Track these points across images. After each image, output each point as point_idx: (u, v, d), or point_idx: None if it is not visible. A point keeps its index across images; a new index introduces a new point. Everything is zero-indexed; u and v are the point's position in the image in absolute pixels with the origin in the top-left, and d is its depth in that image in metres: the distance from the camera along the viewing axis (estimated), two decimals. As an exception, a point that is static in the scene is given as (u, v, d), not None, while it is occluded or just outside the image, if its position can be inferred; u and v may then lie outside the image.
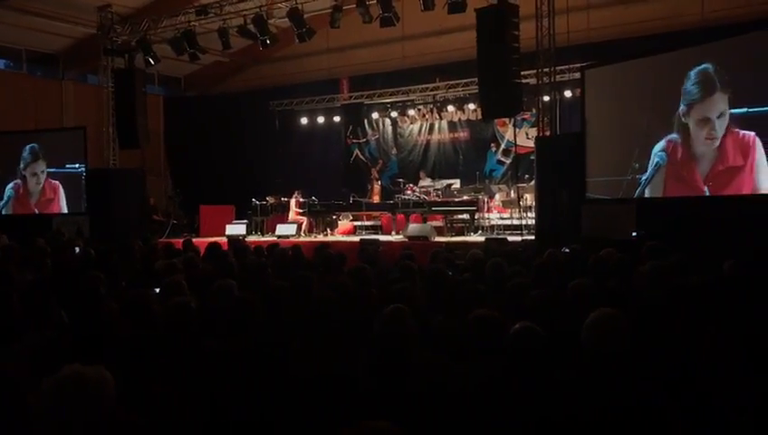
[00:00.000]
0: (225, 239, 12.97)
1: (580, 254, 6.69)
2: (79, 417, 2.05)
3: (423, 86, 16.91)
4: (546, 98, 12.12)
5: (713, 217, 8.78)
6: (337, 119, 18.49)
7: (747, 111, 8.74)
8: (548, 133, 11.99)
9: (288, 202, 15.89)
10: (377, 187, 16.90)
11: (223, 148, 18.62)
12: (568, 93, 14.35)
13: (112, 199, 14.97)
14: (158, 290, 5.11)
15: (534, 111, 13.48)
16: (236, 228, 15.08)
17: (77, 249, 9.07)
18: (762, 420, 2.91)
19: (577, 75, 12.73)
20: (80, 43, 17.36)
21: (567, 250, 7.45)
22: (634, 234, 9.58)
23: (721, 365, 3.39)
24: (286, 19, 13.64)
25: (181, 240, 10.59)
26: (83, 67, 18.60)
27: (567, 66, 13.36)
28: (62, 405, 2.05)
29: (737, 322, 3.93)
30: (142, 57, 15.17)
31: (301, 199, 15.70)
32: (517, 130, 15.26)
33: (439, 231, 13.90)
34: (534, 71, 12.01)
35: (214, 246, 8.34)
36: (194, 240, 10.88)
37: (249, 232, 15.32)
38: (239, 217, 16.12)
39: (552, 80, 11.81)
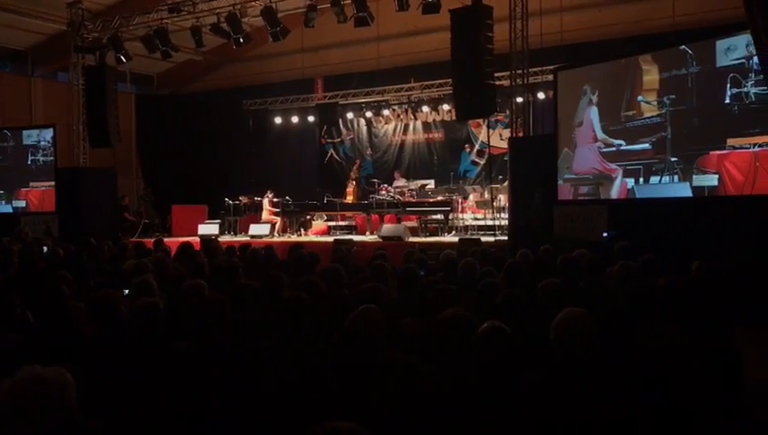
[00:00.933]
0: (197, 239, 12.84)
1: (552, 254, 6.73)
2: (36, 421, 1.99)
3: (398, 86, 16.92)
4: (519, 99, 12.19)
5: (683, 219, 8.92)
6: (311, 118, 18.41)
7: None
8: (521, 134, 12.06)
9: (261, 202, 15.79)
10: (350, 187, 16.82)
11: (195, 147, 18.46)
12: (541, 95, 14.46)
13: (82, 198, 14.76)
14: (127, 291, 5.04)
15: (508, 112, 13.55)
16: (209, 228, 14.94)
17: (45, 249, 8.93)
18: (726, 418, 2.94)
19: (550, 77, 12.83)
20: (49, 39, 17.10)
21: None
22: (605, 234, 9.68)
23: (688, 365, 3.42)
24: (260, 18, 13.57)
25: (152, 240, 10.48)
26: (53, 64, 18.31)
27: (540, 68, 13.45)
28: (19, 408, 1.99)
29: (703, 322, 3.98)
30: (113, 55, 14.97)
31: (274, 199, 15.61)
32: (491, 131, 15.34)
33: (413, 231, 13.92)
34: (508, 72, 12.08)
35: (185, 246, 8.24)
36: (166, 240, 10.79)
37: (222, 232, 15.19)
38: (212, 216, 15.98)
39: (526, 81, 11.89)
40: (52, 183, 15.16)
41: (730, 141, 8.93)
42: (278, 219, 15.39)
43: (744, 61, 8.72)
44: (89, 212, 14.60)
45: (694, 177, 9.38)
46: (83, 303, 4.27)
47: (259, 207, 15.86)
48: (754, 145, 8.66)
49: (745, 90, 8.70)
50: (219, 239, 12.92)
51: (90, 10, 15.59)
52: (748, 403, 4.47)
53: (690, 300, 4.31)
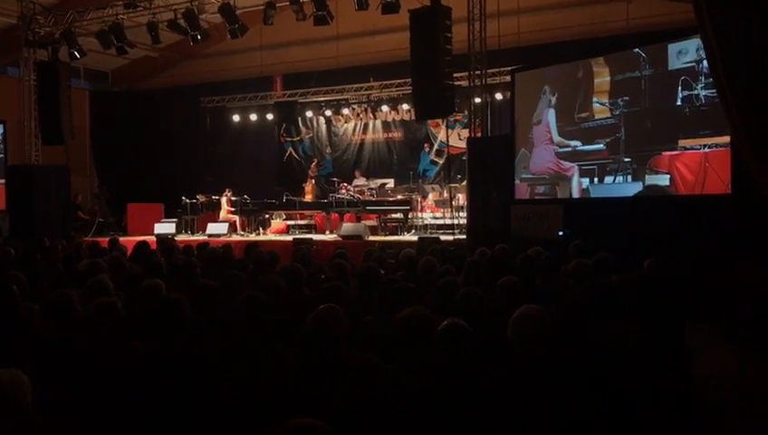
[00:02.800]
0: (153, 238, 12.65)
1: (508, 252, 6.82)
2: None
3: (357, 85, 16.93)
4: (478, 100, 12.31)
5: (636, 218, 9.13)
6: (270, 116, 18.26)
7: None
8: (479, 135, 12.18)
9: (219, 201, 15.63)
10: (309, 186, 16.75)
11: (152, 144, 18.13)
12: (499, 96, 14.62)
13: (34, 197, 14.42)
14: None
15: (466, 112, 13.66)
16: (166, 227, 14.72)
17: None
18: (676, 415, 3.03)
19: (508, 78, 12.97)
20: (-1, 33, 16.64)
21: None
22: (560, 233, 9.85)
23: (640, 362, 3.51)
24: (218, 14, 13.43)
25: (107, 239, 10.30)
26: (3, 59, 17.78)
27: (498, 69, 13.59)
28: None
29: (655, 318, 4.08)
30: (67, 50, 14.64)
31: (232, 198, 15.47)
32: (450, 130, 15.47)
33: (373, 230, 13.96)
34: (466, 73, 12.18)
35: (141, 245, 8.13)
36: (121, 239, 10.59)
37: (179, 231, 15.00)
38: (168, 215, 15.75)
39: (484, 82, 12.00)
40: (2, 181, 14.79)
41: (682, 142, 9.17)
42: (236, 218, 15.27)
43: (694, 64, 8.97)
44: (41, 210, 14.29)
45: (646, 177, 9.61)
46: (37, 303, 4.18)
47: (217, 206, 15.70)
48: (704, 146, 8.91)
49: (696, 92, 8.95)
50: (176, 238, 12.77)
51: (41, 4, 15.17)
52: (698, 398, 4.61)
53: (642, 297, 4.42)
